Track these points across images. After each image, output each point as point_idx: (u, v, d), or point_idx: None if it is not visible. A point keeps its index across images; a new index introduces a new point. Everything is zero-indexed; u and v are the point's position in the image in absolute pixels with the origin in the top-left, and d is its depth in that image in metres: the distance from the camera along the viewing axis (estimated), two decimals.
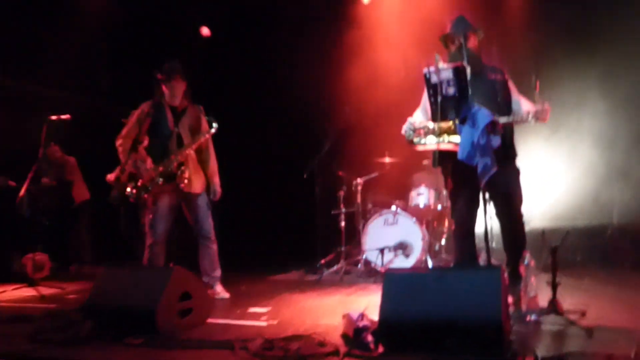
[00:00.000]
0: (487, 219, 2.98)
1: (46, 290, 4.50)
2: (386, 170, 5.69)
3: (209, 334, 2.68)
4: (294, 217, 6.88)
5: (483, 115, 2.87)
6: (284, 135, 6.91)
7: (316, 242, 6.59)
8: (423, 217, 5.41)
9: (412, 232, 5.12)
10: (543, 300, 2.75)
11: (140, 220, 5.62)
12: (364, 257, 5.19)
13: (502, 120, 2.98)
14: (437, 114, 2.97)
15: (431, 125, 3.13)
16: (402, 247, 5.08)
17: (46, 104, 7.40)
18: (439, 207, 5.43)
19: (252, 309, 3.44)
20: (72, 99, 7.86)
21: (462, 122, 2.92)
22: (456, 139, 3.01)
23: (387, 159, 5.62)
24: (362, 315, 2.41)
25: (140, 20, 8.40)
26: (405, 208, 5.40)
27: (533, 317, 2.69)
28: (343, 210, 5.73)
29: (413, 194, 5.43)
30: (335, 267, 5.34)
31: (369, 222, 5.30)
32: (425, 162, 5.77)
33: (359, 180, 5.51)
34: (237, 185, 4.20)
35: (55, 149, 6.18)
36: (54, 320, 2.96)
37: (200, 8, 8.58)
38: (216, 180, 4.15)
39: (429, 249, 5.29)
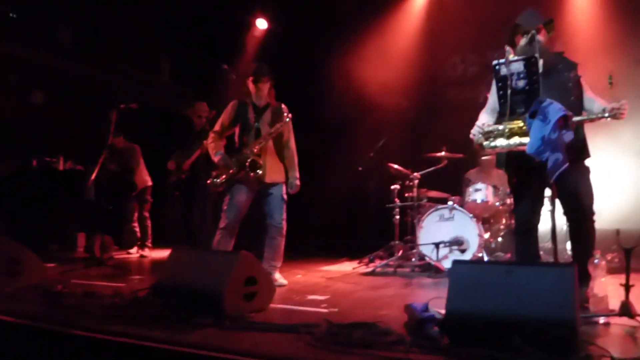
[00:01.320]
0: (554, 218, 2.93)
1: (112, 271, 4.73)
2: (442, 165, 5.61)
3: (273, 318, 2.75)
4: (347, 210, 6.92)
5: (555, 109, 2.79)
6: (340, 127, 6.95)
7: (368, 235, 6.62)
8: (480, 213, 5.32)
9: (468, 228, 5.05)
10: (613, 302, 2.67)
11: (201, 207, 5.83)
12: (418, 251, 5.16)
13: (576, 118, 2.89)
14: (506, 107, 2.92)
15: (500, 127, 3.05)
16: (458, 243, 5.02)
17: (110, 93, 7.76)
18: (497, 204, 5.32)
19: (311, 297, 3.51)
20: (134, 89, 8.21)
21: (532, 116, 2.85)
22: (527, 140, 2.93)
23: (443, 154, 5.54)
24: (426, 307, 2.42)
25: (199, 13, 8.63)
26: (462, 204, 5.33)
27: (602, 319, 2.61)
28: (398, 204, 5.72)
29: (470, 189, 5.34)
30: (388, 261, 5.34)
31: (424, 216, 5.26)
32: (484, 158, 5.67)
33: (416, 174, 5.46)
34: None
35: (120, 136, 6.45)
36: (124, 298, 3.10)
37: (257, 1, 8.74)
38: (295, 173, 4.29)
39: (485, 246, 5.21)
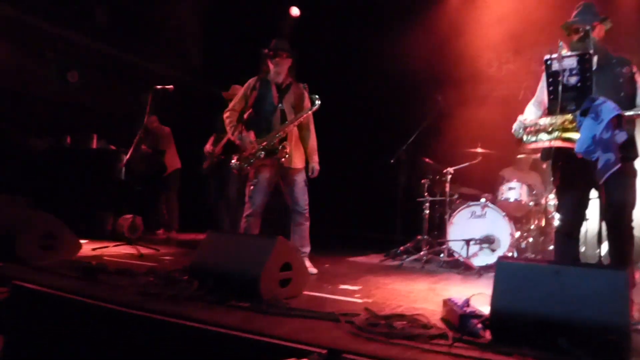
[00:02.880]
0: (602, 220, 2.85)
1: (143, 250, 4.77)
2: (476, 161, 5.52)
3: (308, 305, 2.73)
4: (376, 202, 6.87)
5: (608, 108, 2.70)
6: (372, 119, 6.89)
7: (395, 228, 6.56)
8: (512, 212, 5.23)
9: (500, 227, 4.97)
10: None
11: (228, 191, 5.84)
12: (447, 247, 5.10)
13: (628, 113, 2.80)
14: (557, 103, 2.84)
15: (542, 122, 2.95)
16: (489, 241, 4.95)
17: (143, 76, 7.82)
18: (530, 203, 5.22)
19: (343, 286, 3.49)
20: (165, 72, 8.26)
21: (584, 114, 2.76)
22: (570, 135, 2.85)
23: (478, 150, 5.44)
24: (467, 302, 2.37)
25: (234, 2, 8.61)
26: (494, 201, 5.25)
27: None
28: (428, 198, 5.66)
29: (504, 187, 5.26)
30: (416, 255, 5.29)
31: (456, 212, 5.19)
32: (520, 156, 5.57)
33: (450, 169, 5.38)
34: (321, 166, 4.26)
35: (153, 118, 6.48)
36: (160, 278, 3.12)
37: None
38: (315, 157, 4.22)
39: (516, 246, 5.13)
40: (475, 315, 2.24)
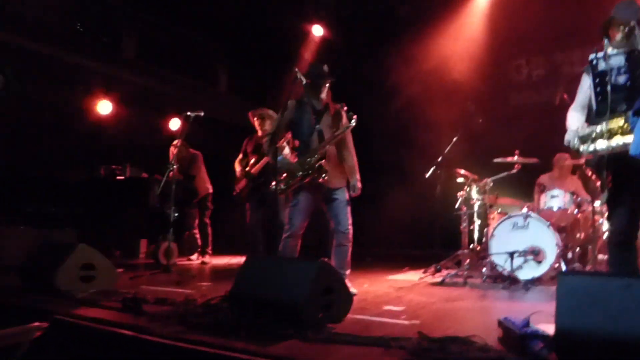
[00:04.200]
0: None
1: (177, 277, 4.73)
2: (515, 170, 5.33)
3: (352, 329, 2.61)
4: (409, 218, 6.73)
5: None
6: (403, 133, 6.79)
7: (430, 243, 6.39)
8: (556, 222, 5.01)
9: (545, 238, 4.74)
10: None
11: (265, 214, 5.80)
12: (490, 261, 4.91)
13: None
14: (606, 105, 2.68)
15: (598, 129, 2.80)
16: (534, 253, 4.73)
17: (170, 102, 7.92)
18: (575, 211, 5.00)
19: (386, 307, 3.35)
20: (192, 98, 8.35)
21: (637, 114, 2.60)
22: (625, 139, 2.68)
23: (516, 158, 5.24)
24: (527, 322, 2.22)
25: (256, 22, 8.70)
26: (536, 211, 5.04)
27: None
28: (466, 211, 5.49)
29: (546, 196, 5.05)
30: (457, 271, 5.11)
31: (496, 224, 5.00)
32: (568, 162, 5.39)
33: (488, 180, 5.20)
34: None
35: (183, 144, 6.52)
36: (199, 306, 3.05)
37: (314, 8, 8.72)
38: (357, 175, 4.15)
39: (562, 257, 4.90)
40: (538, 335, 2.09)
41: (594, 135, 2.76)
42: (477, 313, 3.25)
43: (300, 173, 4.00)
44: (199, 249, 6.95)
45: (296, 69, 3.95)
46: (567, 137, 2.92)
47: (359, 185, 4.17)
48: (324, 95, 4.13)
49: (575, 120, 3.07)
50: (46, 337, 2.84)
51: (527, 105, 7.28)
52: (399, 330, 2.58)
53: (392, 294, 4.05)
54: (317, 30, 9.09)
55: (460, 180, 5.58)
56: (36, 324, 2.82)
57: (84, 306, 3.22)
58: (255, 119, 5.72)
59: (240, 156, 6.20)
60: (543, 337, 2.07)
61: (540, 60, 7.68)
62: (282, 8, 8.51)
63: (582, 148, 2.81)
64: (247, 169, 5.96)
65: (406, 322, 2.85)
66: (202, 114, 4.95)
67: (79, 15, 7.43)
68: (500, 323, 2.43)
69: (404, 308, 3.34)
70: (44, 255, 3.92)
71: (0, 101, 5.86)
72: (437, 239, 6.13)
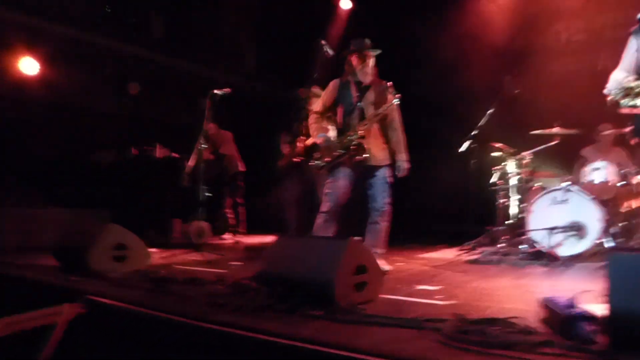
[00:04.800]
0: None
1: (210, 256, 4.73)
2: (554, 142, 5.08)
3: (385, 310, 2.52)
4: (443, 194, 6.55)
5: None
6: (436, 106, 6.57)
7: (465, 219, 6.22)
8: (598, 195, 4.76)
9: (587, 212, 4.51)
10: None
11: (301, 191, 5.72)
12: (528, 238, 4.72)
13: None
14: None
15: None
16: (577, 228, 4.51)
17: (199, 83, 7.88)
18: (618, 184, 4.74)
19: (420, 287, 3.25)
20: (220, 78, 8.29)
21: None
22: None
23: (556, 130, 4.98)
24: (572, 303, 2.08)
25: (284, 3, 8.52)
26: (577, 184, 4.80)
27: None
28: (501, 186, 5.29)
29: (587, 169, 4.81)
30: (493, 247, 4.94)
31: (535, 200, 4.79)
32: (604, 133, 5.10)
33: (526, 153, 4.97)
34: None
35: (212, 124, 6.47)
36: (229, 286, 3.02)
37: None
38: (403, 155, 4.04)
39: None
40: (585, 317, 1.95)
41: (638, 90, 2.57)
42: (517, 292, 3.11)
43: (339, 151, 3.94)
44: (231, 228, 6.97)
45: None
46: (609, 86, 2.74)
47: (406, 165, 4.07)
48: (369, 69, 4.02)
49: (621, 72, 2.87)
50: (79, 317, 2.86)
51: (569, 73, 6.92)
52: (434, 311, 2.47)
53: (427, 272, 3.94)
54: (345, 3, 8.86)
55: (496, 154, 5.37)
56: (68, 304, 2.84)
57: (116, 286, 3.23)
58: (305, 97, 5.63)
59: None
60: (592, 318, 1.93)
61: (581, 25, 7.27)
62: None
63: (623, 101, 2.63)
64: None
65: (442, 303, 2.74)
66: (229, 91, 4.87)
67: None
68: (543, 303, 2.29)
69: (439, 287, 3.22)
70: (78, 236, 3.96)
71: (33, 85, 5.93)
72: (472, 215, 5.93)
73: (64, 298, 3.00)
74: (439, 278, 3.63)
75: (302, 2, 8.39)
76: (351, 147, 3.89)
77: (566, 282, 3.52)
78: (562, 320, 2.00)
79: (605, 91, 2.84)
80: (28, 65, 6.26)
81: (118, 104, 6.97)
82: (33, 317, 2.62)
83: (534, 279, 3.66)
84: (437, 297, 2.90)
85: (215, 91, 4.86)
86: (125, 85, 6.93)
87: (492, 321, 2.14)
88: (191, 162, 5.02)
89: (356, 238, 2.70)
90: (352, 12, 8.61)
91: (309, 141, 5.57)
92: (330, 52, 3.85)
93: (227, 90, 4.88)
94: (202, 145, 4.88)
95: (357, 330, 2.18)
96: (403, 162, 4.04)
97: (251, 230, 7.17)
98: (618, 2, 6.41)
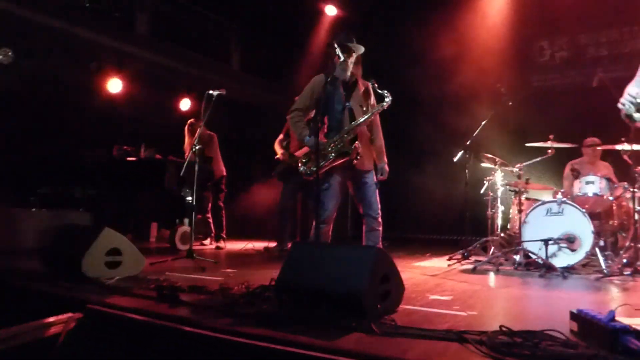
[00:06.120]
0: None
1: (202, 263, 4.55)
2: (548, 155, 5.15)
3: (413, 321, 2.44)
4: (436, 203, 6.58)
5: None
6: (434, 117, 6.59)
7: (462, 228, 6.23)
8: (591, 208, 4.87)
9: (580, 225, 4.60)
10: None
11: (295, 196, 5.61)
12: (523, 248, 4.76)
13: None
14: None
15: None
16: (569, 240, 4.59)
17: (183, 82, 7.67)
18: (610, 198, 4.85)
19: (433, 296, 3.19)
20: (204, 77, 8.09)
21: None
22: None
23: (549, 143, 5.06)
24: (612, 316, 2.06)
25: (270, 1, 8.42)
26: (570, 197, 4.89)
27: None
28: (492, 196, 5.34)
29: (580, 182, 4.89)
30: (488, 257, 4.96)
31: (529, 211, 4.85)
32: (589, 147, 5.22)
33: (519, 165, 5.03)
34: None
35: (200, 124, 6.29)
36: (242, 296, 2.87)
37: None
38: (384, 157, 3.94)
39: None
40: (630, 331, 1.93)
41: None
42: (531, 302, 3.11)
43: (334, 154, 3.78)
44: (213, 233, 6.78)
45: (334, 43, 3.72)
46: (622, 100, 2.78)
47: (387, 168, 3.99)
48: (347, 66, 3.84)
49: (632, 91, 2.92)
50: (80, 327, 2.67)
51: (555, 87, 7.09)
52: (462, 322, 2.42)
53: (430, 281, 3.89)
54: (330, 10, 8.84)
55: (487, 164, 5.42)
56: (69, 314, 2.64)
57: (116, 294, 3.03)
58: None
59: (281, 137, 5.96)
60: (637, 333, 1.91)
61: (564, 42, 7.47)
62: None
63: (636, 115, 2.68)
64: (291, 150, 5.73)
65: (464, 313, 2.69)
66: (224, 91, 4.72)
67: None
68: (575, 315, 2.27)
69: (451, 297, 3.17)
70: (67, 239, 3.72)
71: (10, 78, 5.61)
72: (466, 226, 5.95)
73: (58, 306, 2.80)
74: (444, 287, 3.59)
75: (288, 3, 8.31)
76: (347, 150, 3.70)
77: (576, 294, 3.55)
78: (609, 334, 1.97)
79: (619, 105, 2.88)
80: (3, 57, 5.92)
81: (99, 101, 6.67)
82: (35, 327, 2.42)
83: (539, 290, 3.66)
84: (455, 307, 2.85)
85: (210, 91, 4.69)
86: (107, 81, 6.63)
87: (531, 334, 2.09)
88: (185, 164, 4.81)
89: (378, 246, 2.61)
90: (338, 18, 8.62)
91: (301, 152, 5.43)
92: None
93: (222, 90, 4.73)
94: (197, 147, 4.68)
95: (398, 343, 2.09)
96: (384, 164, 3.96)
97: (230, 236, 6.99)
98: (621, 17, 6.59)
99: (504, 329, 2.10)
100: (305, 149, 5.34)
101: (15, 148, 5.75)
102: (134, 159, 6.22)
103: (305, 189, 5.35)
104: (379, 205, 3.90)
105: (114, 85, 6.73)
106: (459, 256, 5.29)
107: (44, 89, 6.04)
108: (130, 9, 7.12)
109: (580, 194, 4.84)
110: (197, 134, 4.79)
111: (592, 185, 4.82)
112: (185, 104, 7.31)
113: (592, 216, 4.90)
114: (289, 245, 5.43)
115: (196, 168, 4.72)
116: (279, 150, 5.85)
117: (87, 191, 5.75)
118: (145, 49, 7.10)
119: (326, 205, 3.82)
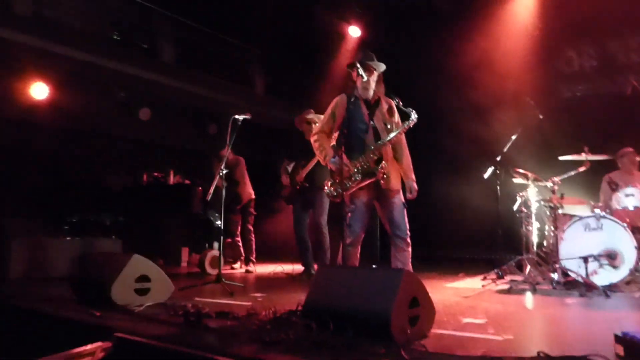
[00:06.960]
0: None
1: (231, 287, 4.52)
2: (584, 168, 4.96)
3: (444, 346, 2.34)
4: (471, 219, 6.43)
5: None
6: (463, 132, 6.49)
7: (494, 246, 6.05)
8: (632, 222, 4.65)
9: (621, 240, 4.40)
10: None
11: (312, 219, 5.57)
12: (561, 266, 4.56)
13: None
14: None
15: None
16: (611, 257, 4.38)
17: (208, 108, 7.78)
18: None
19: (467, 319, 3.07)
20: (229, 102, 8.20)
21: None
22: None
23: (584, 156, 4.88)
24: None
25: (291, 24, 8.52)
26: (608, 211, 4.69)
27: None
28: (525, 212, 5.16)
29: (619, 195, 4.70)
30: (524, 276, 4.78)
31: (566, 227, 4.66)
32: (637, 158, 5.03)
33: (555, 179, 4.85)
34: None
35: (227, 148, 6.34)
36: (269, 322, 2.82)
37: (349, 9, 8.52)
38: (412, 175, 3.86)
39: None
40: None
41: None
42: (570, 324, 2.95)
43: (360, 175, 3.72)
44: (242, 257, 6.76)
45: (357, 64, 3.69)
46: None
47: (416, 186, 3.89)
48: (369, 85, 3.80)
49: None
50: (109, 357, 2.66)
51: (584, 98, 6.91)
52: (496, 348, 2.30)
53: (463, 303, 3.76)
54: (354, 31, 8.88)
55: (519, 180, 5.26)
56: (99, 343, 2.64)
57: (144, 321, 3.02)
58: (303, 124, 5.49)
59: (285, 162, 5.97)
60: None
61: (593, 50, 7.29)
62: (317, 10, 8.34)
63: None
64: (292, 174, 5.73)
65: (499, 338, 2.56)
66: (250, 116, 4.75)
67: (117, 25, 7.34)
68: (620, 338, 2.14)
69: (485, 320, 3.04)
70: (96, 267, 3.75)
71: (43, 111, 5.79)
72: (499, 243, 5.77)
73: (89, 334, 2.81)
74: (478, 310, 3.45)
75: (311, 27, 8.40)
76: (374, 170, 3.65)
77: (620, 313, 3.36)
78: None
79: None
80: (38, 90, 6.14)
81: (129, 129, 6.82)
82: (65, 357, 2.42)
83: (580, 310, 3.49)
84: (490, 331, 2.72)
85: (236, 116, 4.72)
86: (137, 110, 6.79)
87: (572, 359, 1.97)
88: (211, 189, 4.83)
89: (407, 269, 2.53)
90: (361, 39, 8.65)
91: (307, 167, 5.39)
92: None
93: (247, 115, 4.75)
94: (224, 171, 4.70)
95: None
96: (413, 182, 3.86)
97: (260, 259, 6.96)
98: (630, 27, 6.43)
99: (541, 354, 1.98)
100: (305, 171, 5.36)
101: (48, 177, 5.91)
102: (162, 184, 6.31)
103: (316, 208, 5.30)
104: (408, 226, 3.81)
105: (143, 113, 6.88)
106: (494, 276, 5.11)
107: (72, 120, 6.22)
108: (155, 39, 7.31)
109: (620, 207, 4.65)
110: (224, 159, 4.80)
111: (632, 197, 4.62)
112: (212, 129, 7.41)
113: (634, 230, 4.68)
114: (316, 267, 5.37)
115: (223, 193, 4.72)
116: (283, 175, 5.81)
117: (117, 218, 5.84)
118: (170, 77, 7.26)
119: (353, 227, 3.75)
